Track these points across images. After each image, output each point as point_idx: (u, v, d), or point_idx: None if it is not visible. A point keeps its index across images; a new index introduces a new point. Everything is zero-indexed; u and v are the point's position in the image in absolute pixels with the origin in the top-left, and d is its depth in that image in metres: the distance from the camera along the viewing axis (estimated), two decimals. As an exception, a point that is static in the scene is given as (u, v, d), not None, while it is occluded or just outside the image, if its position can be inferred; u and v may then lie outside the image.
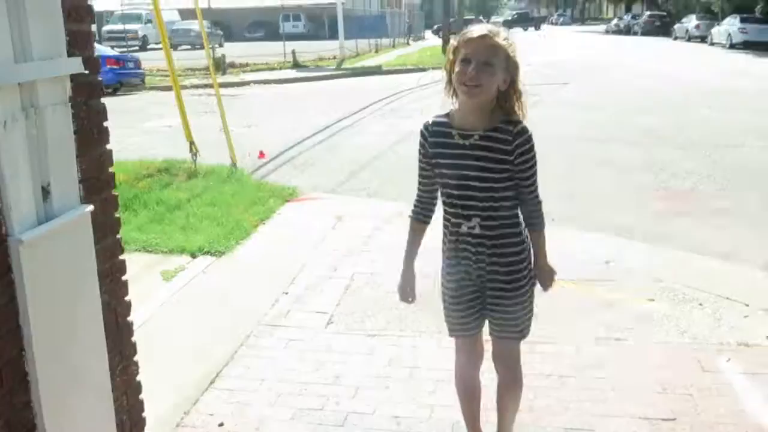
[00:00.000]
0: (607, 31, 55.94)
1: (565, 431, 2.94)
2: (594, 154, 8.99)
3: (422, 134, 2.40)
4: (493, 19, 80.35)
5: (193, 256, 5.29)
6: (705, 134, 10.12)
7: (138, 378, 2.77)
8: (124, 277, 2.63)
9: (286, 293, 4.54)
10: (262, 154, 9.09)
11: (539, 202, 2.38)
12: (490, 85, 2.19)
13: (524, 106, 2.29)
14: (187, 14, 39.49)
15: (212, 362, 3.62)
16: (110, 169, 2.52)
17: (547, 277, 2.56)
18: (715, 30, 33.82)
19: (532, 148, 2.27)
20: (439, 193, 2.45)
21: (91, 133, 2.37)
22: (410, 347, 3.76)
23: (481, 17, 61.73)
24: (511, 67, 2.22)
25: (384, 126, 11.90)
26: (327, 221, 6.16)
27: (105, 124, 2.49)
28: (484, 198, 2.29)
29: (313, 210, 6.65)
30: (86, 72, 2.28)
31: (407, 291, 2.57)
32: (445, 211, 2.44)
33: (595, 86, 16.92)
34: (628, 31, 50.46)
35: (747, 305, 4.10)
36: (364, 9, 39.31)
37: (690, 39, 37.55)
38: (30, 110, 2.03)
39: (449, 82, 2.31)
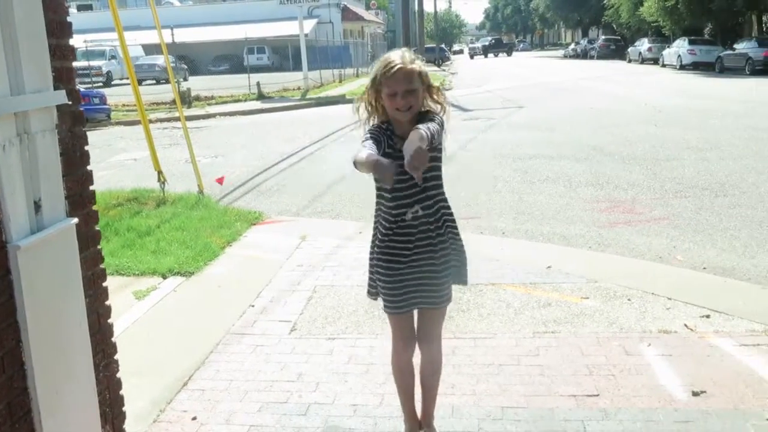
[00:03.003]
0: (564, 56, 57.66)
1: (501, 409, 3.32)
2: (544, 171, 9.51)
3: (381, 128, 2.70)
4: (462, 46, 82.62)
5: (164, 276, 5.60)
6: (647, 149, 10.76)
7: (118, 375, 3.09)
8: (104, 284, 2.97)
9: (253, 306, 4.88)
10: (221, 180, 9.41)
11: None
12: (417, 102, 2.65)
13: (442, 96, 2.74)
14: (151, 49, 39.76)
15: (184, 367, 3.94)
16: (91, 188, 2.87)
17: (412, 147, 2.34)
18: (666, 52, 35.24)
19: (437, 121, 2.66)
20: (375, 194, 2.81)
21: (74, 155, 2.73)
22: (367, 347, 4.11)
23: (443, 45, 63.02)
24: (425, 80, 2.66)
25: (345, 152, 12.30)
26: (292, 241, 6.52)
27: (86, 147, 2.85)
28: (424, 186, 2.68)
29: (278, 232, 7.01)
30: (69, 103, 2.65)
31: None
32: (383, 205, 2.78)
33: (549, 109, 17.63)
34: (584, 55, 52.04)
35: (670, 299, 4.56)
36: (327, 40, 39.90)
37: (643, 61, 38.96)
38: (24, 136, 2.39)
39: (370, 103, 2.74)
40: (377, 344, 4.11)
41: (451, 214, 2.83)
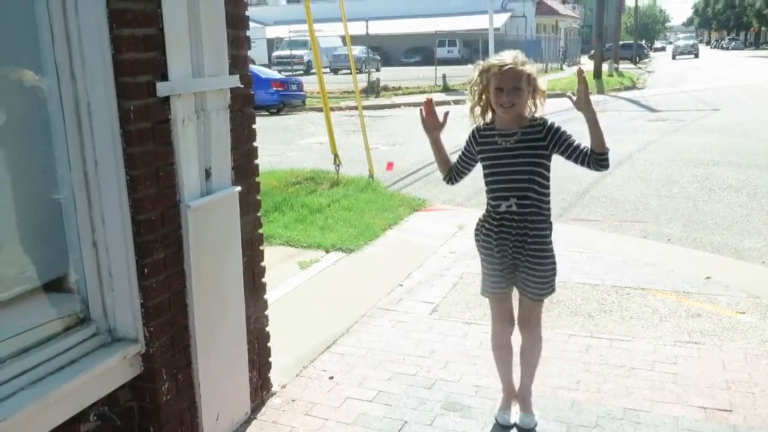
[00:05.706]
0: (782, 57, 52.30)
1: (624, 410, 3.30)
2: (727, 179, 8.89)
3: (473, 136, 3.06)
4: (664, 43, 77.57)
5: (327, 251, 6.07)
6: None
7: (267, 329, 3.50)
8: (261, 247, 3.37)
9: (401, 285, 5.17)
10: (390, 166, 9.82)
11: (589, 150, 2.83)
12: (521, 102, 2.84)
13: (540, 104, 2.90)
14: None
15: (330, 333, 4.31)
16: (255, 161, 3.27)
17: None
18: None
19: (558, 128, 2.87)
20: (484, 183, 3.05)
21: (243, 132, 3.14)
22: (502, 335, 4.22)
23: (641, 42, 59.80)
24: (532, 83, 2.84)
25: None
26: (449, 229, 6.74)
27: (253, 126, 3.25)
28: (520, 180, 2.90)
29: (438, 219, 7.26)
30: (242, 86, 3.05)
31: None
32: (488, 196, 3.03)
33: (747, 113, 16.22)
34: (806, 56, 46.87)
35: (840, 323, 4.20)
36: (518, 34, 39.56)
37: None
38: (201, 112, 2.82)
39: (478, 100, 2.97)
40: (514, 332, 4.20)
41: (544, 218, 2.96)
